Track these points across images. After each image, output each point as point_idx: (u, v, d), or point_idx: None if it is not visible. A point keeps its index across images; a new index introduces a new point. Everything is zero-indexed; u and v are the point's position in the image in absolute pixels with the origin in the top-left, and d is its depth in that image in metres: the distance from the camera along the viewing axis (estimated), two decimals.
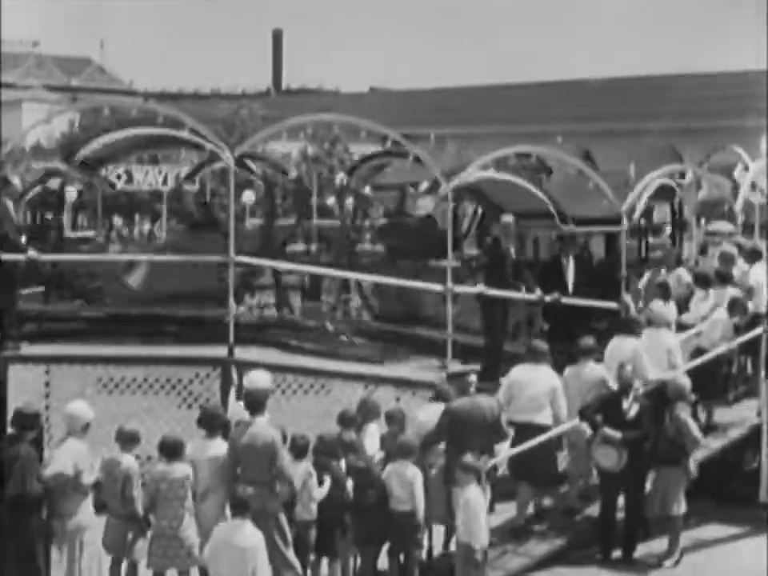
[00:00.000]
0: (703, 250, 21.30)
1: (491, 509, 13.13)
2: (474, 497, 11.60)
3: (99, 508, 11.43)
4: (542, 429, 13.51)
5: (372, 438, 12.64)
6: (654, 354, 14.58)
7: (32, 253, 15.96)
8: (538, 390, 13.66)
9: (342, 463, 12.02)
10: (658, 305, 15.59)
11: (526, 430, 13.40)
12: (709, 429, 15.11)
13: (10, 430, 11.26)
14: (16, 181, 16.65)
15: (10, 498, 10.83)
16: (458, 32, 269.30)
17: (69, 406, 11.68)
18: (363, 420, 12.73)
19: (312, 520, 11.75)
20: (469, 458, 11.80)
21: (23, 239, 16.33)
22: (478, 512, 11.59)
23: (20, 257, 15.94)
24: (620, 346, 14.51)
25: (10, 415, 14.93)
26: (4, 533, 10.84)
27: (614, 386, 13.95)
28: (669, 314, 15.64)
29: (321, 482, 11.77)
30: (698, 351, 15.52)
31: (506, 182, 17.23)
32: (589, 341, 14.52)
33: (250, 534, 10.36)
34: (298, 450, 11.77)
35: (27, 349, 15.99)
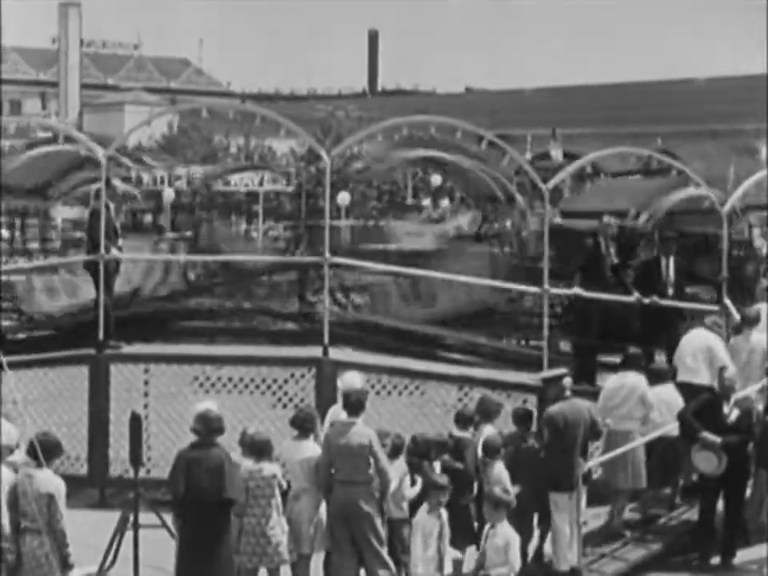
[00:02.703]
0: None
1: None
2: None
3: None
4: (701, 389, 13.93)
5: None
6: None
7: (114, 252, 16.05)
8: (692, 350, 14.44)
9: (437, 464, 11.96)
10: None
11: (684, 390, 13.99)
12: None
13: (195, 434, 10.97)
14: (117, 182, 16.85)
15: (218, 502, 10.66)
16: (555, 32, 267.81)
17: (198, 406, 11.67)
18: (480, 419, 12.67)
19: (405, 518, 11.71)
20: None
21: (120, 241, 16.50)
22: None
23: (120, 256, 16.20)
24: None
25: (113, 415, 15.36)
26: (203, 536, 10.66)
27: None
28: None
29: (413, 482, 11.74)
30: None
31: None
32: (752, 310, 15.23)
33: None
34: (393, 450, 11.76)
35: (127, 348, 16.19)
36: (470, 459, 12.19)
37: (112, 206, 16.40)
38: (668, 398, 14.07)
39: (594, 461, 12.90)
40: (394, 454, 11.73)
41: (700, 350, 14.52)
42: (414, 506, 11.72)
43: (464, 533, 12.02)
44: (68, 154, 25.02)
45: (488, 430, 12.52)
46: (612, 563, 13.11)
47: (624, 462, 13.48)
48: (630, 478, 13.61)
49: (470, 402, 14.81)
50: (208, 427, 10.81)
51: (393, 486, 11.50)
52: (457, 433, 12.43)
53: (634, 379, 13.91)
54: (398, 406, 15.40)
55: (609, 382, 14.15)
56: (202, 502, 10.62)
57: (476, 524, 12.01)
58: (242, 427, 12.70)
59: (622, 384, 13.88)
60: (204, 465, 10.64)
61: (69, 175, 25.68)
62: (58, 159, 19.07)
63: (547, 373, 15.20)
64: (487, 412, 12.73)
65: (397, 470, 11.64)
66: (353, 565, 11.40)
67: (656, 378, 14.26)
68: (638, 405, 13.75)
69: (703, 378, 14.29)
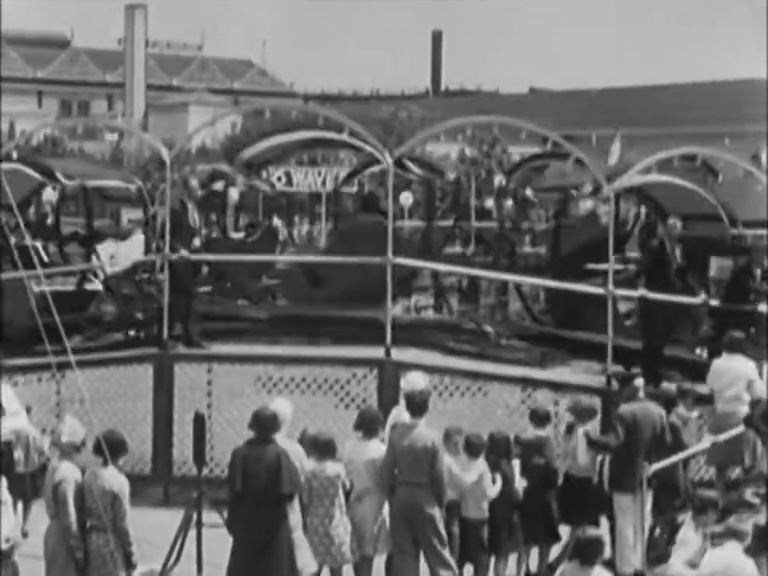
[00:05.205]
0: None
1: None
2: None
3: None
4: None
5: (582, 441, 12.53)
6: None
7: (183, 252, 16.09)
8: None
9: (515, 462, 12.04)
10: None
11: None
12: None
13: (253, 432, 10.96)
14: (194, 183, 16.83)
15: (281, 495, 10.69)
16: (618, 32, 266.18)
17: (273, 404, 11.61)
18: (575, 421, 12.72)
19: (484, 519, 11.75)
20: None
21: (197, 241, 16.53)
22: None
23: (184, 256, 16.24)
24: None
25: (177, 414, 15.45)
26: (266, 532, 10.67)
27: None
28: None
29: (493, 481, 11.79)
30: None
31: (671, 184, 16.88)
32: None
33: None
34: (473, 449, 11.79)
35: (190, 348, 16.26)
36: (550, 456, 12.27)
37: (190, 205, 16.39)
38: None
39: (705, 442, 13.12)
40: (473, 453, 11.76)
41: None
42: (493, 505, 11.75)
43: (547, 530, 12.20)
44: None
45: (582, 433, 12.54)
46: None
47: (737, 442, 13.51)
48: (741, 458, 13.53)
49: (532, 404, 14.79)
50: (262, 424, 10.86)
51: (469, 480, 11.55)
52: (532, 431, 12.49)
53: (742, 363, 13.98)
54: (460, 407, 15.36)
55: (715, 364, 14.19)
56: (258, 498, 10.65)
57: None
58: (303, 427, 12.73)
59: (729, 367, 13.98)
60: (259, 461, 10.67)
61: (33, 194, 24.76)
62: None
63: (620, 373, 15.09)
64: (581, 414, 12.75)
65: (477, 469, 11.71)
66: (415, 566, 11.40)
67: None
68: (745, 389, 13.80)
69: None
